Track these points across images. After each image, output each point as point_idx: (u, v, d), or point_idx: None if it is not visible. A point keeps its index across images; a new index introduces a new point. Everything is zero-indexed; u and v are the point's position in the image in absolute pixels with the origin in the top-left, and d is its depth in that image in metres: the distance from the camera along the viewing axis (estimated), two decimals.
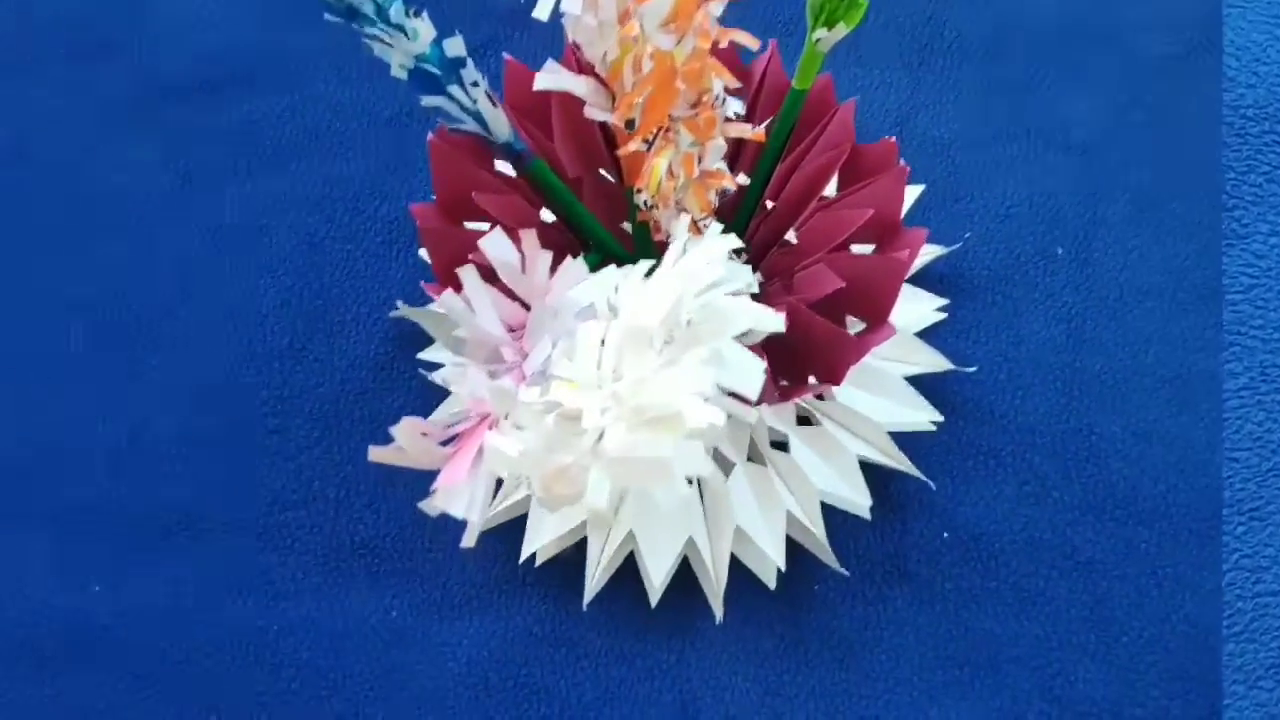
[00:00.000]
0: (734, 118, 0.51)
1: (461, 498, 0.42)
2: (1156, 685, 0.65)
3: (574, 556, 0.63)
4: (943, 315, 0.69)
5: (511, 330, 0.47)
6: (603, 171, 0.61)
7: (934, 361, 0.67)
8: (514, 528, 0.66)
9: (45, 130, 0.76)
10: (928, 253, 0.70)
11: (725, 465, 0.65)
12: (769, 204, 0.59)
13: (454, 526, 0.69)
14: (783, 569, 0.63)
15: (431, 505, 0.44)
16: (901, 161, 0.56)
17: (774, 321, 0.45)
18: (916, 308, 0.69)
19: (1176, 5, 0.74)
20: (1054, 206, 0.72)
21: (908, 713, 0.63)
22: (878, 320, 0.56)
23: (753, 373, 0.43)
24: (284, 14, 0.76)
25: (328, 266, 0.73)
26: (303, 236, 0.73)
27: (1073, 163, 0.72)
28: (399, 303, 0.64)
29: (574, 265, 0.46)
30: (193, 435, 0.70)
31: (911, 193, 0.70)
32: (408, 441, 0.42)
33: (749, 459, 0.65)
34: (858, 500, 0.64)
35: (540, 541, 0.65)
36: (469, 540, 0.43)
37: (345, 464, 0.69)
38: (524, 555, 0.65)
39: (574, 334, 0.42)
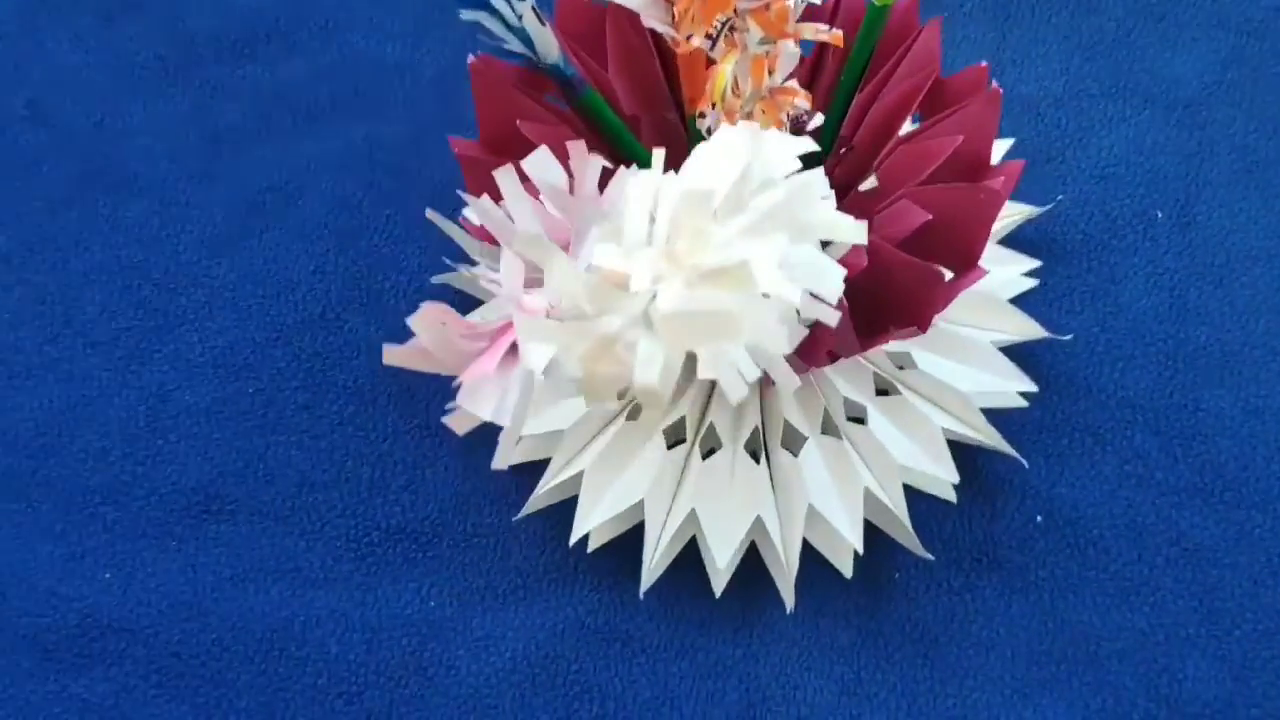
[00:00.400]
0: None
1: (489, 397, 0.35)
2: (1274, 683, 0.58)
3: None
4: (1034, 281, 0.63)
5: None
6: (663, 113, 0.55)
7: (1025, 328, 0.61)
8: (564, 511, 0.60)
9: (68, 88, 0.71)
10: (1017, 213, 0.63)
11: (797, 440, 0.59)
12: (844, 151, 0.54)
13: (498, 509, 0.64)
14: (860, 554, 0.57)
15: (454, 413, 0.37)
16: (994, 84, 0.50)
17: (856, 231, 0.39)
18: (1005, 272, 0.63)
19: None
20: (1153, 167, 0.66)
21: (999, 712, 0.57)
22: (968, 263, 0.50)
23: (832, 274, 0.37)
24: None
25: (365, 231, 0.67)
26: (338, 200, 0.68)
27: (1172, 121, 0.66)
28: (460, 269, 0.59)
29: (629, 173, 0.40)
30: (215, 411, 0.64)
31: (1000, 147, 0.64)
32: (428, 334, 0.36)
33: (823, 433, 0.59)
34: (943, 477, 0.58)
35: (593, 523, 0.59)
36: (500, 460, 0.36)
37: (381, 441, 0.64)
38: (574, 538, 0.59)
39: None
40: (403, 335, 0.66)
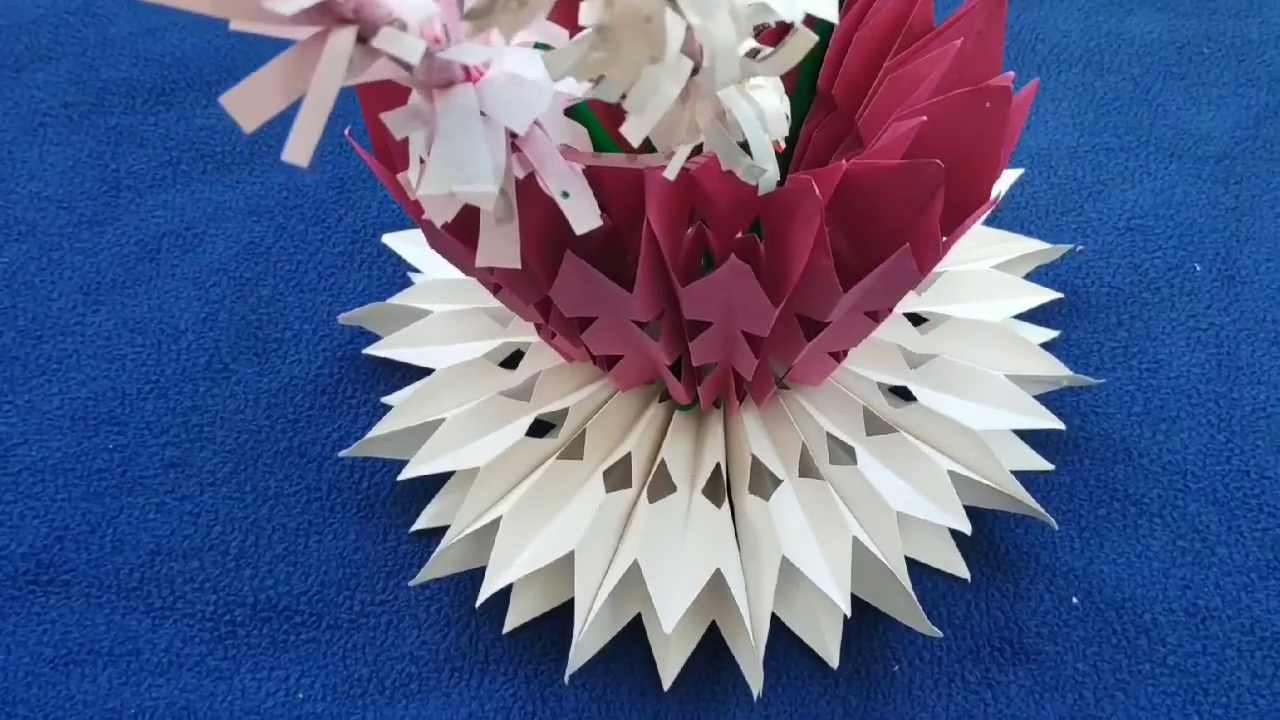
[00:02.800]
0: None
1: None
2: None
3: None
4: (1054, 332, 0.51)
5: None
6: None
7: (1046, 366, 0.49)
8: (476, 582, 0.47)
9: None
10: (1032, 249, 0.53)
11: (769, 484, 0.47)
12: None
13: (393, 585, 0.49)
14: (849, 630, 0.44)
15: None
16: None
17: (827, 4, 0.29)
18: (1017, 303, 0.51)
19: None
20: (1185, 220, 0.55)
21: None
22: (979, 193, 0.39)
23: None
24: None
25: (270, 279, 0.57)
26: (244, 246, 0.57)
27: (1204, 175, 0.57)
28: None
29: None
30: (64, 468, 0.51)
31: (1006, 179, 0.55)
32: None
33: (801, 475, 0.47)
34: (951, 524, 0.45)
35: (507, 578, 0.44)
36: (295, 155, 0.24)
37: (258, 505, 0.51)
38: (482, 596, 0.44)
39: None
40: (298, 389, 0.54)
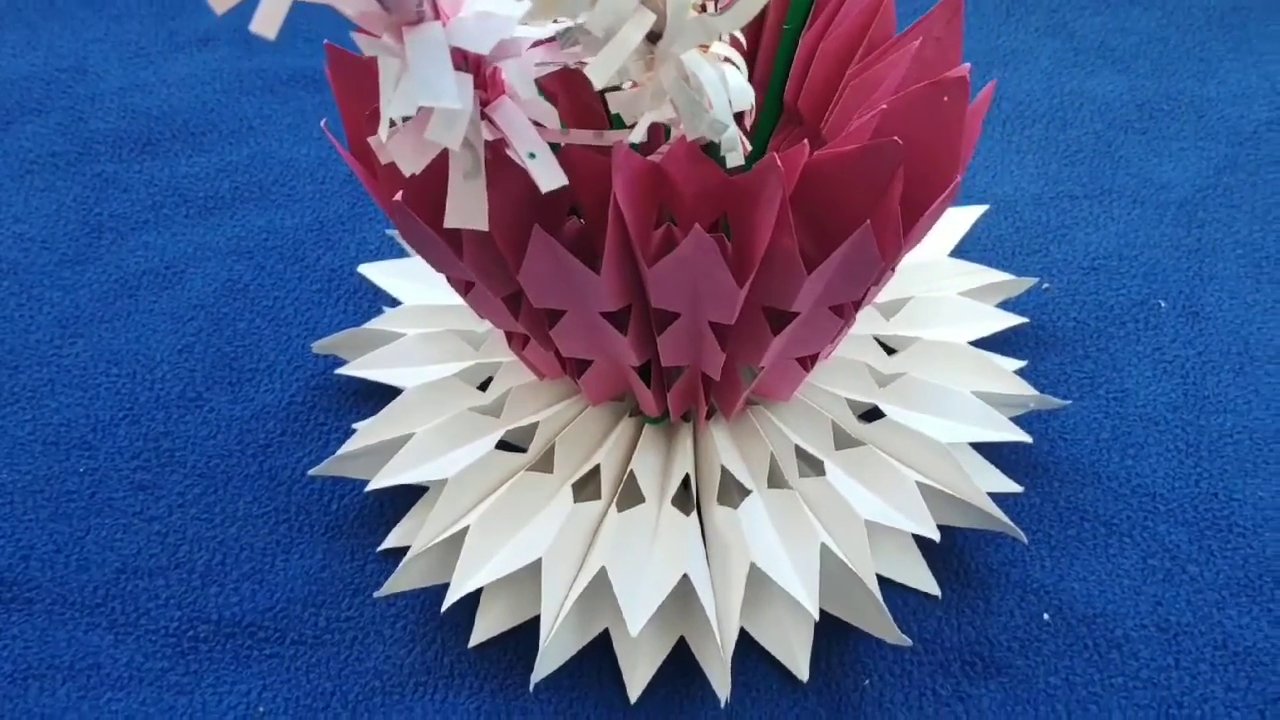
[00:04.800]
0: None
1: None
2: None
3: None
4: (1021, 362, 0.51)
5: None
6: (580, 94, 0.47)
7: (1015, 386, 0.49)
8: (437, 600, 0.46)
9: None
10: (996, 279, 0.52)
11: (738, 495, 0.46)
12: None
13: (359, 602, 0.48)
14: (816, 618, 0.42)
15: None
16: None
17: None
18: (982, 326, 0.51)
19: (1267, 77, 0.63)
20: (1149, 260, 0.56)
21: None
22: (942, 182, 0.38)
23: None
24: (248, 79, 0.66)
25: (247, 314, 0.56)
26: (223, 284, 0.57)
27: (1167, 219, 0.57)
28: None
29: None
30: (34, 490, 0.50)
31: (971, 214, 0.56)
32: None
33: (770, 487, 0.47)
34: (920, 532, 0.44)
35: (474, 584, 0.43)
36: (263, 26, 0.24)
37: (226, 526, 0.50)
38: (447, 602, 0.43)
39: None
40: (270, 416, 0.54)
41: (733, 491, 0.45)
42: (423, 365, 0.51)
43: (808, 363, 0.45)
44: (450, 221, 0.33)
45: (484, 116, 0.31)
